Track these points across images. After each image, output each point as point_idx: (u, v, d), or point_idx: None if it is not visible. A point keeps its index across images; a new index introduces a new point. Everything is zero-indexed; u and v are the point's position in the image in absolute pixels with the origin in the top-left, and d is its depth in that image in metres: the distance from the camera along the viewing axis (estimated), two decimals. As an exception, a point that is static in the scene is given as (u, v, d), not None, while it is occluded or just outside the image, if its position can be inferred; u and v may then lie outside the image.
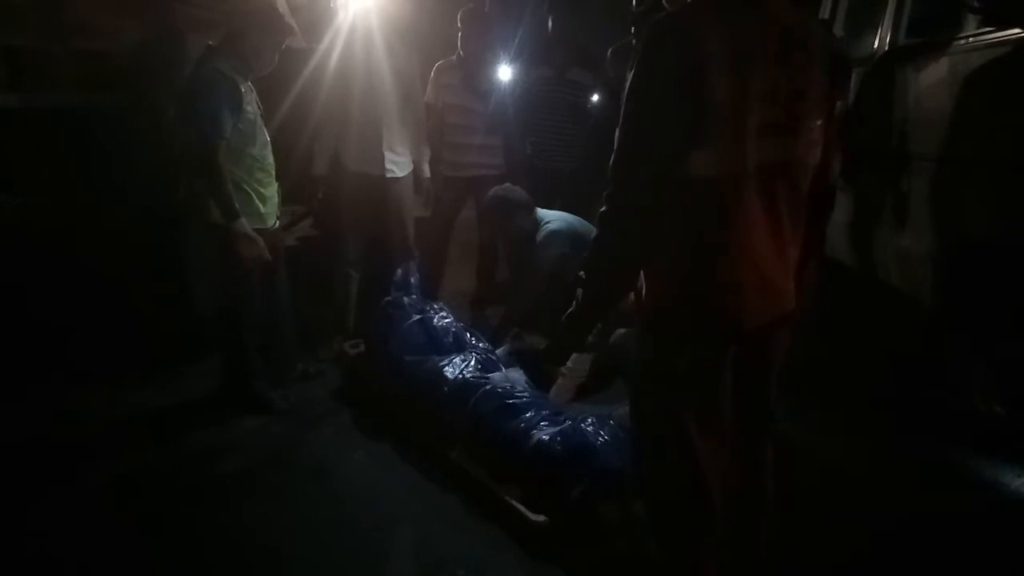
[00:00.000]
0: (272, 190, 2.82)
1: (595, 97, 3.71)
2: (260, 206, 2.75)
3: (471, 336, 2.96)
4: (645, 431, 1.66)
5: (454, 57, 3.74)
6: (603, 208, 1.46)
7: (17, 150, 3.14)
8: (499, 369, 2.67)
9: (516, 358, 2.95)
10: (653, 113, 1.38)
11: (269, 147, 2.80)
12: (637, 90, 1.39)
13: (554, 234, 3.25)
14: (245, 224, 2.64)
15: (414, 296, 3.13)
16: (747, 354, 1.56)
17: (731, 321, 1.48)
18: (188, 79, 2.64)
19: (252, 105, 2.71)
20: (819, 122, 1.48)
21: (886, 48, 2.84)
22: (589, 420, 2.18)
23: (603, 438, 2.10)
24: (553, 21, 3.71)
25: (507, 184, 3.41)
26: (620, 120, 1.41)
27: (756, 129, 1.38)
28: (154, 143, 3.27)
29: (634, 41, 2.84)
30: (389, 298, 3.11)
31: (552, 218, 3.34)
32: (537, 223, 3.31)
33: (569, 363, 2.97)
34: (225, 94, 2.58)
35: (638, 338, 1.61)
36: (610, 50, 3.76)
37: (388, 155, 3.37)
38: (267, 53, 2.71)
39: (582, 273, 1.56)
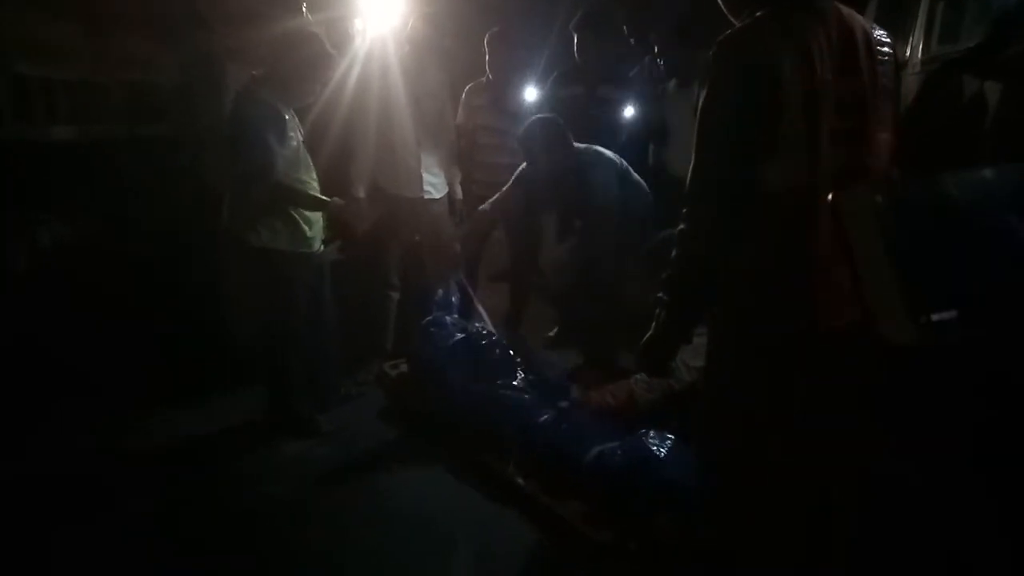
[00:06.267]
0: (318, 214, 2.85)
1: (627, 112, 3.73)
2: (306, 230, 2.78)
3: (515, 353, 2.96)
4: (716, 440, 1.66)
5: (484, 79, 3.80)
6: (681, 226, 1.47)
7: (70, 179, 3.20)
8: (549, 385, 2.67)
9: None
10: (727, 129, 1.40)
11: (313, 172, 2.84)
12: (710, 108, 1.41)
13: (598, 156, 3.25)
14: (339, 200, 2.79)
15: (456, 315, 3.15)
16: (821, 360, 1.56)
17: (806, 329, 1.48)
18: (234, 109, 2.69)
19: (295, 132, 2.76)
20: (888, 127, 1.50)
21: (919, 56, 2.87)
22: (651, 433, 2.17)
23: (665, 451, 2.09)
24: (579, 40, 3.75)
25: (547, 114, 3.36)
26: (695, 138, 1.43)
27: (829, 138, 1.39)
28: (195, 170, 3.32)
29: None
30: (430, 317, 3.12)
31: (590, 150, 3.30)
32: (576, 154, 3.27)
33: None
34: (271, 123, 2.62)
35: (710, 347, 1.61)
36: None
37: (426, 177, 3.42)
38: (311, 84, 2.77)
39: (661, 294, 1.55)
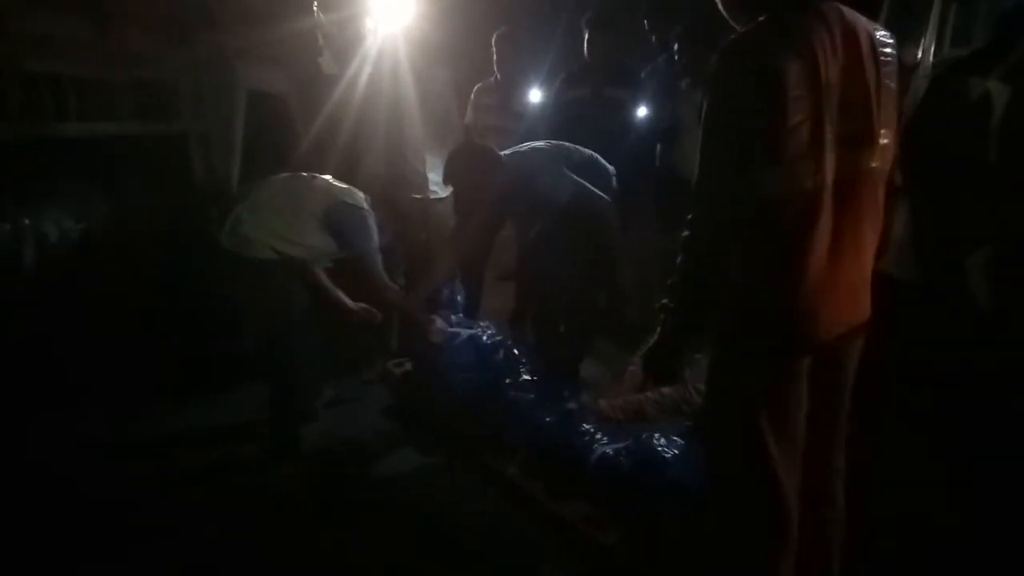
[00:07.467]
0: None
1: (639, 112, 3.70)
2: None
3: (520, 353, 2.96)
4: (720, 441, 1.66)
5: (492, 79, 3.80)
6: (686, 232, 1.47)
7: (79, 177, 3.23)
8: (552, 385, 2.67)
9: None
10: (732, 135, 1.39)
11: None
12: (714, 114, 1.40)
13: (531, 159, 2.95)
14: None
15: (460, 314, 3.15)
16: (823, 362, 1.55)
17: (809, 332, 1.48)
18: (350, 212, 2.82)
19: None
20: (891, 128, 1.49)
21: (931, 59, 2.84)
22: (656, 434, 2.17)
23: (670, 452, 2.09)
24: (589, 37, 3.72)
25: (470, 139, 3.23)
26: (700, 144, 1.42)
27: (834, 142, 1.38)
28: (201, 170, 3.33)
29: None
30: (436, 316, 3.13)
31: (527, 155, 2.99)
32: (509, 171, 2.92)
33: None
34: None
35: (713, 350, 1.61)
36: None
37: (432, 176, 3.43)
38: None
39: (666, 300, 1.55)
